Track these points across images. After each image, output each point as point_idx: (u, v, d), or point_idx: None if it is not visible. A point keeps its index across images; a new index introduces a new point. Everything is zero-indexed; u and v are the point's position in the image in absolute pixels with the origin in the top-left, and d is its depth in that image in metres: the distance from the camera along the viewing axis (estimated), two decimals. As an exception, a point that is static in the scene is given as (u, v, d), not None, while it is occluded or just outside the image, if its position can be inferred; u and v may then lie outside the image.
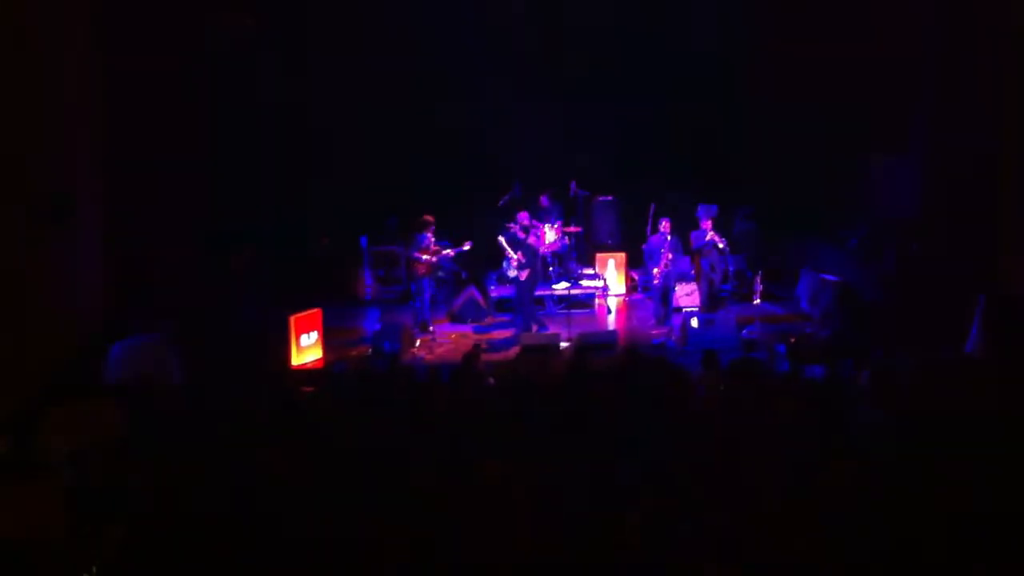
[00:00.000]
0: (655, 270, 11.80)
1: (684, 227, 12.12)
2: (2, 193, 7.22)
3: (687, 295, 12.54)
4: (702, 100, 14.08)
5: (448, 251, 11.94)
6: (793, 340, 10.96)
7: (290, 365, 10.35)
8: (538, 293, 12.39)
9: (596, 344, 10.57)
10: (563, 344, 10.85)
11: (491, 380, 8.61)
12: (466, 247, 11.87)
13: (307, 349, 10.66)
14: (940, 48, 10.66)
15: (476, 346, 9.61)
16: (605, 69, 14.19)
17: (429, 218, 11.68)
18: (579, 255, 13.69)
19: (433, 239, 11.71)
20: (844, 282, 11.72)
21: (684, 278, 12.50)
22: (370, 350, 10.84)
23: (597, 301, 13.00)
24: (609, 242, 14.08)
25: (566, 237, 13.33)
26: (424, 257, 11.59)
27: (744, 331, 11.14)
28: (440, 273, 12.66)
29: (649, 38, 14.09)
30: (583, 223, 13.81)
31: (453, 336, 11.77)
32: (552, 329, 11.48)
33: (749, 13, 13.91)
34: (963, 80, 10.32)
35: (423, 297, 11.74)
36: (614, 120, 14.21)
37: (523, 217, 12.17)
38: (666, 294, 11.84)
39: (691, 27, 14.08)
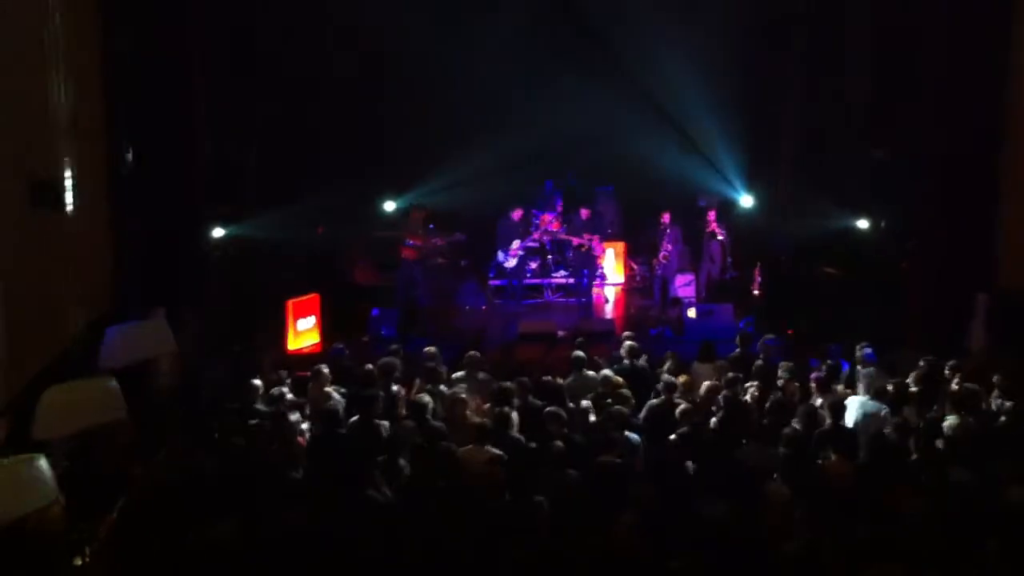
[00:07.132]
0: (654, 260, 11.77)
1: (684, 217, 12.09)
2: (4, 177, 7.18)
3: (685, 285, 12.51)
4: (703, 94, 14.05)
5: (437, 240, 12.13)
6: (790, 332, 10.97)
7: (287, 350, 10.34)
8: (535, 281, 12.36)
9: (593, 333, 10.57)
10: (560, 333, 10.84)
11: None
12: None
13: (304, 334, 10.63)
14: (940, 43, 10.60)
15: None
16: (607, 59, 14.14)
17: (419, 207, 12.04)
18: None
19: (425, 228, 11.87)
20: (843, 275, 11.70)
21: (683, 269, 12.47)
22: (368, 336, 10.83)
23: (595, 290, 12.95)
24: (609, 232, 14.01)
25: (566, 224, 13.26)
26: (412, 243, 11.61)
27: (741, 322, 11.13)
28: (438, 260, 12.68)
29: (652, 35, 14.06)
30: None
31: None
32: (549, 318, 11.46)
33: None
34: (963, 76, 10.27)
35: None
36: (616, 110, 14.16)
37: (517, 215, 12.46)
38: (665, 284, 11.82)
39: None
